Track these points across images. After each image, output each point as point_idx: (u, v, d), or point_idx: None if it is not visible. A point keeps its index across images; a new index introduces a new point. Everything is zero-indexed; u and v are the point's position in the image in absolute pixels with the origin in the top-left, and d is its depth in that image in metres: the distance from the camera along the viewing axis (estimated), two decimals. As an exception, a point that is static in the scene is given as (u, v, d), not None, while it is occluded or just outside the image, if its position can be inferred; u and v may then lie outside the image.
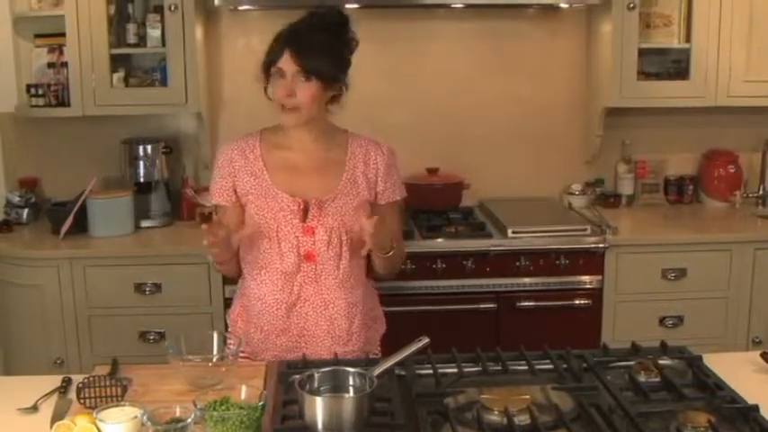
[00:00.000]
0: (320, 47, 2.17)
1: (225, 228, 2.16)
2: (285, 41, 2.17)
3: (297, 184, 2.23)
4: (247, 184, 2.25)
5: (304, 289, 2.23)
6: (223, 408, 1.71)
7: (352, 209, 2.23)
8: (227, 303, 3.20)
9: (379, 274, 2.37)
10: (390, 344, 2.29)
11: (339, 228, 2.21)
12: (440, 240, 3.29)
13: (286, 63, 2.15)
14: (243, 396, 1.76)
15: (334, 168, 2.26)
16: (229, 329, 2.37)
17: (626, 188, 3.86)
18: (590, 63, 3.77)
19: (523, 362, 1.98)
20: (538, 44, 3.77)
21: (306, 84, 2.15)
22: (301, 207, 2.20)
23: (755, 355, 2.09)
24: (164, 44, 3.41)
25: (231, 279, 3.17)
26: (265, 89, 2.24)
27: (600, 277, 3.31)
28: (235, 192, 2.27)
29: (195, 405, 1.70)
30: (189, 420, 1.65)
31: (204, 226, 2.13)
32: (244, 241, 2.26)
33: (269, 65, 2.19)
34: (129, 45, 3.47)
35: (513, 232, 3.29)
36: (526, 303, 3.27)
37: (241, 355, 2.28)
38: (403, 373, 1.92)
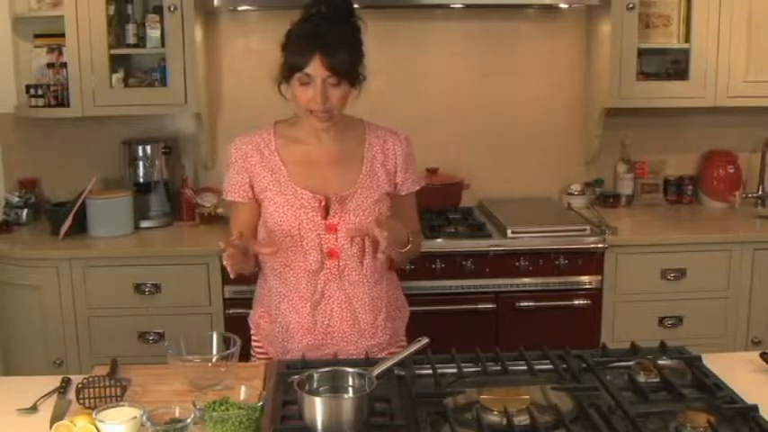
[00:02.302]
0: (345, 45, 2.09)
1: (244, 241, 2.04)
2: (312, 45, 2.05)
3: (316, 179, 2.18)
4: (264, 180, 2.19)
5: (328, 286, 2.18)
6: (222, 408, 1.71)
7: (372, 203, 2.18)
8: (227, 304, 3.21)
9: (395, 264, 2.31)
10: (407, 335, 2.30)
11: (361, 223, 2.15)
12: (439, 240, 3.28)
13: (316, 69, 2.05)
14: (242, 396, 1.76)
15: (352, 161, 2.21)
16: (252, 331, 2.33)
17: (625, 188, 3.86)
18: (589, 63, 3.77)
19: (523, 362, 1.98)
20: (537, 44, 3.78)
21: (337, 88, 2.08)
22: (322, 204, 2.15)
23: (755, 355, 2.09)
24: (163, 45, 3.41)
25: (231, 279, 3.18)
26: (279, 87, 2.16)
27: (599, 277, 3.31)
28: (251, 188, 2.21)
29: (194, 405, 1.70)
30: (188, 421, 1.65)
31: (221, 245, 2.01)
32: (264, 239, 2.20)
33: (293, 69, 2.09)
34: (129, 45, 3.47)
35: (513, 232, 3.29)
36: (525, 303, 3.27)
37: (262, 355, 2.28)
38: (402, 373, 1.92)
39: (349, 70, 2.10)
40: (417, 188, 2.32)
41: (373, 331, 2.22)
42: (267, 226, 2.20)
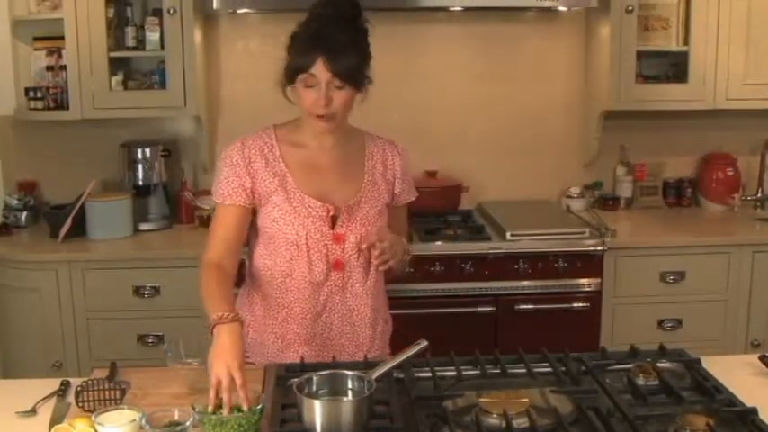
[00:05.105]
0: (350, 48, 2.04)
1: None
2: (316, 47, 2.01)
3: (321, 186, 2.13)
4: (270, 186, 2.11)
5: (330, 298, 2.15)
6: (221, 411, 1.70)
7: (376, 213, 2.16)
8: (226, 306, 3.21)
9: (390, 276, 2.30)
10: (389, 347, 2.29)
11: (367, 234, 2.12)
12: (438, 243, 3.28)
13: (319, 71, 2.01)
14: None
15: (354, 170, 2.18)
16: None
17: (624, 191, 3.86)
18: (588, 66, 3.77)
19: (522, 365, 1.98)
20: (536, 47, 3.78)
21: (340, 91, 2.04)
22: (330, 213, 2.11)
23: (754, 357, 2.10)
24: (162, 47, 3.42)
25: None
26: (284, 90, 2.11)
27: (598, 280, 3.31)
28: (252, 194, 2.12)
29: (194, 408, 1.70)
30: (187, 424, 1.65)
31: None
32: (260, 245, 2.17)
33: (297, 71, 2.04)
34: (128, 48, 3.48)
35: (512, 235, 3.29)
36: (525, 306, 3.27)
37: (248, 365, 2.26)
38: (401, 376, 1.91)
39: (354, 74, 2.05)
40: (412, 199, 2.32)
41: (370, 344, 2.21)
42: (268, 233, 2.14)
